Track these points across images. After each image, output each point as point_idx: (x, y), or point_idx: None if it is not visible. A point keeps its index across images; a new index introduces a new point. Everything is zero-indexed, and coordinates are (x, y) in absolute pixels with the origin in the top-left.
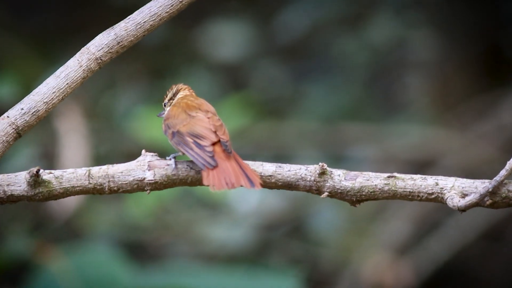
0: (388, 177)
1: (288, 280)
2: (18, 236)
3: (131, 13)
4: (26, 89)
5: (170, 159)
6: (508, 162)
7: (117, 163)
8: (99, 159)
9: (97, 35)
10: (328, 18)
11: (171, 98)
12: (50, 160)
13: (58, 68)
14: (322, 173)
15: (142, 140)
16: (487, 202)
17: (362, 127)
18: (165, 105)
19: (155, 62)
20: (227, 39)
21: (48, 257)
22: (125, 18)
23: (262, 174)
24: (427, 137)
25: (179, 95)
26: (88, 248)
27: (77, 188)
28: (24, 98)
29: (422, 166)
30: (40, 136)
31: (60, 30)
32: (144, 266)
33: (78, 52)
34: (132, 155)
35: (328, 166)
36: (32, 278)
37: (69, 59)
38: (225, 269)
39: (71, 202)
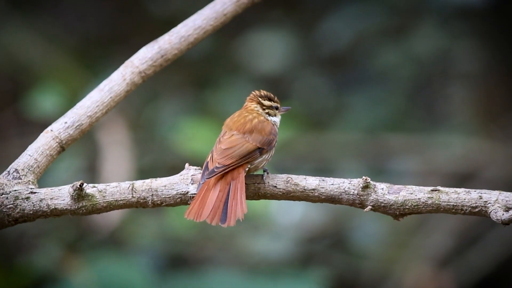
0: (432, 190)
1: None
2: (52, 248)
3: (174, 23)
4: (70, 102)
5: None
6: None
7: (160, 175)
8: (142, 172)
9: (140, 47)
10: (371, 28)
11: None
12: (93, 173)
13: (102, 80)
14: (366, 186)
15: (185, 152)
16: None
17: (405, 139)
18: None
19: (197, 74)
20: (269, 49)
21: (74, 270)
22: (167, 28)
23: (306, 187)
24: (470, 149)
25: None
26: (118, 259)
27: (121, 202)
28: (68, 112)
29: (465, 178)
30: (83, 149)
31: (103, 41)
32: (181, 276)
33: (122, 65)
34: (175, 167)
35: (371, 179)
36: None
37: (112, 71)
38: (265, 280)
39: (115, 214)
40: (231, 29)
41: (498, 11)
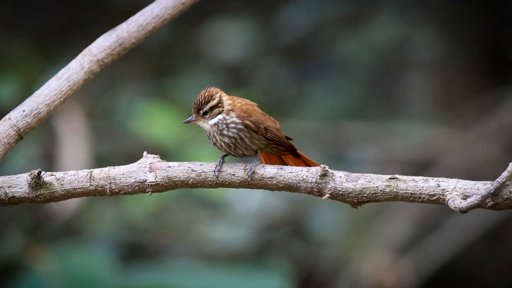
0: (390, 178)
1: (286, 279)
2: (13, 237)
3: (133, 14)
4: (27, 90)
5: (257, 159)
6: (510, 164)
7: (118, 163)
8: (100, 160)
9: (99, 36)
10: (330, 17)
11: (219, 103)
12: (51, 161)
13: (60, 69)
14: (324, 175)
15: (143, 137)
16: (489, 204)
17: (364, 127)
18: (206, 112)
19: (157, 61)
20: (229, 38)
21: (38, 258)
22: (127, 17)
23: (264, 176)
24: (429, 137)
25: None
26: (81, 248)
27: (79, 190)
28: (26, 100)
29: (424, 166)
30: (40, 137)
31: (61, 30)
32: (141, 266)
33: (80, 54)
34: (133, 155)
35: (329, 167)
36: (19, 279)
37: (70, 60)
38: (223, 269)
39: (72, 202)
40: (190, 17)
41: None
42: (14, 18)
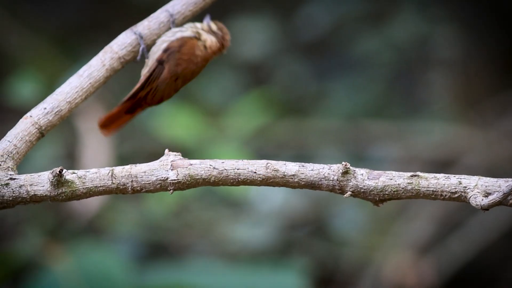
0: (411, 176)
1: (307, 278)
2: (33, 236)
3: (153, 9)
4: (48, 88)
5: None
6: None
7: (140, 162)
8: (121, 159)
9: (119, 33)
10: (351, 14)
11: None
12: (72, 159)
13: (81, 67)
14: (345, 172)
15: (165, 138)
16: (511, 201)
17: (385, 125)
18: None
19: None
20: (249, 36)
21: (56, 258)
22: (147, 15)
23: (285, 173)
24: (450, 135)
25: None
26: (100, 248)
27: (100, 188)
28: (47, 98)
29: (445, 165)
30: (62, 136)
31: (82, 28)
32: (162, 265)
33: (101, 51)
34: (155, 154)
35: (351, 165)
36: (35, 278)
37: (91, 57)
38: (245, 268)
39: (94, 201)
40: (211, 15)
41: None
42: (35, 16)
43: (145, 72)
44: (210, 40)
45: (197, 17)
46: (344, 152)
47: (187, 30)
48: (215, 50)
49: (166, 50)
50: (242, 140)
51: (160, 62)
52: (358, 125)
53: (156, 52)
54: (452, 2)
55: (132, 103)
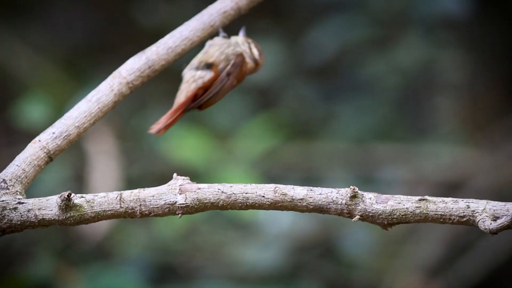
0: (420, 200)
1: None
2: (44, 259)
3: (162, 34)
4: (57, 112)
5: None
6: None
7: (148, 185)
8: (130, 181)
9: (128, 56)
10: (357, 38)
11: None
12: (80, 183)
13: (90, 90)
14: (354, 196)
15: (174, 160)
16: None
17: (392, 148)
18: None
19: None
20: None
21: (69, 280)
22: (155, 39)
23: (294, 197)
24: (458, 158)
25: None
26: (111, 270)
27: (109, 212)
28: (56, 122)
29: (453, 187)
30: (70, 159)
31: (91, 51)
32: (171, 287)
33: (110, 76)
34: (163, 177)
35: (359, 188)
36: None
37: (100, 81)
38: None
39: (102, 224)
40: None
41: (482, 20)
42: (45, 40)
43: (205, 80)
44: (255, 57)
45: (205, 42)
46: (352, 175)
47: (242, 45)
48: (255, 68)
49: (233, 64)
50: (250, 162)
51: (228, 74)
52: (366, 147)
53: (218, 63)
54: (457, 26)
55: (187, 107)
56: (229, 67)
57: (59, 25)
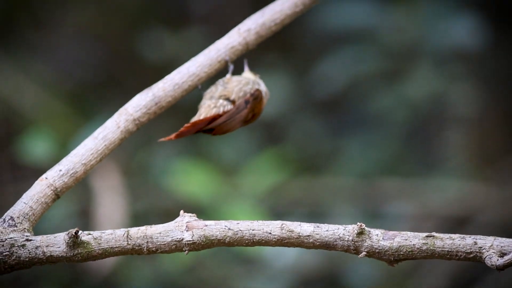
0: (427, 236)
1: None
2: None
3: (168, 68)
4: (62, 146)
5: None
6: None
7: (154, 220)
8: (136, 217)
9: (134, 90)
10: (366, 72)
11: None
12: (87, 218)
13: (95, 126)
14: (360, 233)
15: (180, 195)
16: None
17: (400, 183)
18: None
19: (191, 117)
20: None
21: None
22: (162, 73)
23: (300, 234)
24: (466, 193)
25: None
26: None
27: (116, 249)
28: (62, 160)
29: (461, 222)
30: (76, 194)
31: (97, 86)
32: None
33: (116, 113)
34: (169, 212)
35: (365, 224)
36: None
37: (105, 117)
38: None
39: (109, 259)
40: (226, 72)
41: (494, 53)
42: (50, 75)
43: (225, 110)
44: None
45: (213, 78)
46: (359, 210)
47: (260, 83)
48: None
49: (252, 94)
50: (256, 198)
51: (246, 102)
52: (372, 182)
53: (233, 93)
54: (470, 58)
55: (202, 127)
56: (247, 95)
57: (65, 59)
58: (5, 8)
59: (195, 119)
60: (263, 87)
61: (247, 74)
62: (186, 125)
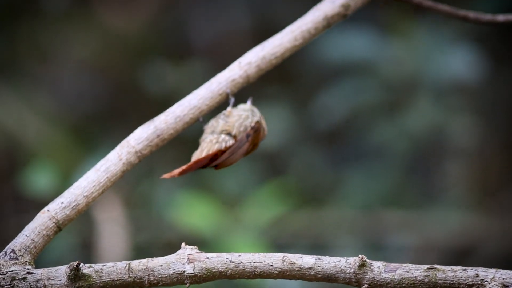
0: (428, 268)
1: None
2: None
3: (170, 101)
4: (64, 179)
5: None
6: None
7: (155, 252)
8: (138, 249)
9: (136, 122)
10: (366, 104)
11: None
12: (88, 250)
13: (97, 158)
14: (362, 265)
15: (181, 227)
16: None
17: (401, 215)
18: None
19: (194, 150)
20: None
21: None
22: (164, 106)
23: (302, 266)
24: (467, 225)
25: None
26: None
27: (117, 282)
28: (64, 192)
29: (463, 254)
30: (78, 226)
31: (99, 118)
32: None
33: (118, 145)
34: (171, 244)
35: (367, 256)
36: None
37: (107, 149)
38: None
39: None
40: (227, 104)
41: (493, 85)
42: (52, 107)
43: (227, 145)
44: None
45: (214, 110)
46: (360, 242)
47: (258, 114)
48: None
49: (253, 128)
50: (258, 230)
51: (247, 136)
52: (374, 214)
53: (234, 127)
54: (469, 91)
55: (205, 163)
56: (248, 129)
57: (67, 92)
58: (9, 41)
59: (197, 154)
60: (257, 114)
61: (244, 106)
62: (189, 164)
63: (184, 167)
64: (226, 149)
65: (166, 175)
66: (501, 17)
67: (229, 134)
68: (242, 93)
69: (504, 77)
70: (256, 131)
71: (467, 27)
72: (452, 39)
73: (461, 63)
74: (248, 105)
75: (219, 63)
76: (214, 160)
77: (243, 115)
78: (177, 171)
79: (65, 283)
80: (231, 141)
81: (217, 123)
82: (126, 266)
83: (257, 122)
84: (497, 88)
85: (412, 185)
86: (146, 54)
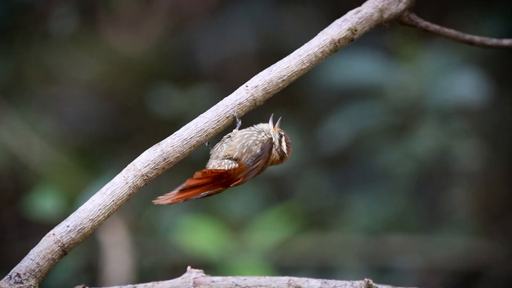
0: None
1: None
2: None
3: (177, 123)
4: (70, 202)
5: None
6: None
7: (161, 275)
8: (143, 272)
9: (142, 145)
10: (372, 128)
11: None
12: (94, 273)
13: (103, 181)
14: None
15: (187, 250)
16: None
17: (407, 238)
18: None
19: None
20: None
21: None
22: (170, 128)
23: None
24: (472, 248)
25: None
26: None
27: None
28: (70, 216)
29: (468, 277)
30: (83, 250)
31: (106, 141)
32: None
33: (125, 169)
34: (176, 268)
35: (373, 279)
36: None
37: (113, 171)
38: None
39: None
40: (233, 129)
41: (498, 109)
42: (57, 130)
43: (231, 168)
44: (283, 150)
45: (221, 133)
46: (366, 265)
47: (272, 134)
48: (280, 161)
49: (261, 156)
50: (263, 253)
51: (257, 167)
52: (379, 237)
53: (247, 150)
54: (474, 114)
55: (216, 183)
56: (259, 161)
57: (74, 115)
58: (15, 64)
59: (195, 175)
60: (284, 145)
61: (266, 126)
62: (183, 187)
63: (179, 195)
64: (230, 172)
65: (161, 200)
66: (506, 41)
67: (231, 158)
68: (248, 118)
69: (508, 100)
70: (267, 152)
71: (472, 51)
72: (456, 63)
73: (465, 87)
74: (267, 124)
75: (226, 86)
76: (224, 183)
77: (246, 135)
78: (169, 199)
79: None
80: (234, 165)
81: (221, 147)
82: None
83: (270, 142)
84: (502, 112)
85: (417, 208)
86: (153, 77)
